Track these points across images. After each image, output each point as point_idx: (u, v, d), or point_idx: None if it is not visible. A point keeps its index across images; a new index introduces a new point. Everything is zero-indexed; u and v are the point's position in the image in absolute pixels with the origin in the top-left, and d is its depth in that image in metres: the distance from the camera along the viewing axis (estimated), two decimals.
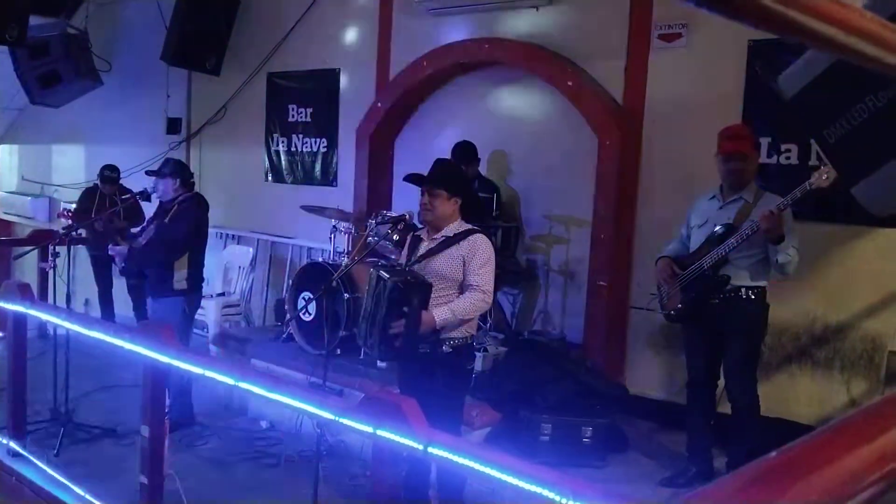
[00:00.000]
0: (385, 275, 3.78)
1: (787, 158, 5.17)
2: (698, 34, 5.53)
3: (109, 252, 5.64)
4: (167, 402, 3.98)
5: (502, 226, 6.17)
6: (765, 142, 5.20)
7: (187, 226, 5.51)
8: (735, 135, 4.52)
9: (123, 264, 5.70)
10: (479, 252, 3.86)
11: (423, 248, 4.00)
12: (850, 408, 5.01)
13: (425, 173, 4.03)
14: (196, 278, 5.61)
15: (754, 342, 4.52)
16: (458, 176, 4.11)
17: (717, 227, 4.44)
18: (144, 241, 5.54)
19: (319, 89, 7.87)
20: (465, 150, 6.16)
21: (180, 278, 5.47)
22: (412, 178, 4.11)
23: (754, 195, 4.44)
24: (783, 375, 5.21)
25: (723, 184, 4.55)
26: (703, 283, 4.44)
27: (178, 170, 5.67)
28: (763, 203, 4.37)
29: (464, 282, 3.87)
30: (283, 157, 8.28)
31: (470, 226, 4.00)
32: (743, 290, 4.41)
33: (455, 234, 3.91)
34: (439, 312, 3.77)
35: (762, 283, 4.44)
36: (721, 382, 4.63)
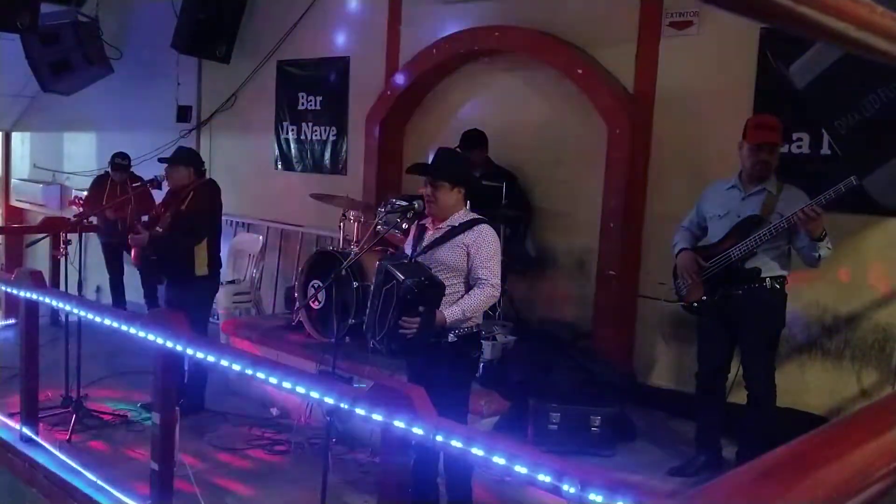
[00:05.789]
0: (399, 275, 3.74)
1: (799, 147, 5.14)
2: (709, 22, 5.48)
3: (130, 241, 5.65)
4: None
5: (511, 214, 6.17)
6: None
7: (206, 211, 5.58)
8: (766, 124, 4.41)
9: (136, 257, 5.72)
10: (485, 244, 3.85)
11: (428, 237, 3.99)
12: (861, 398, 5.00)
13: (429, 162, 4.02)
14: (215, 263, 5.71)
15: (775, 331, 4.48)
16: (460, 165, 4.08)
17: (745, 219, 4.35)
18: (162, 230, 5.56)
19: (329, 77, 7.86)
20: (472, 138, 6.17)
21: (201, 264, 5.56)
22: (416, 169, 4.10)
23: (776, 187, 4.37)
24: (794, 365, 5.19)
25: (745, 173, 4.44)
26: (732, 276, 4.38)
27: (192, 158, 5.75)
28: (786, 195, 4.31)
29: (470, 273, 3.86)
30: (292, 145, 8.28)
31: (475, 215, 3.99)
32: (768, 280, 4.36)
33: (461, 224, 3.90)
34: (451, 312, 3.76)
35: (785, 273, 4.41)
36: (731, 374, 4.62)
